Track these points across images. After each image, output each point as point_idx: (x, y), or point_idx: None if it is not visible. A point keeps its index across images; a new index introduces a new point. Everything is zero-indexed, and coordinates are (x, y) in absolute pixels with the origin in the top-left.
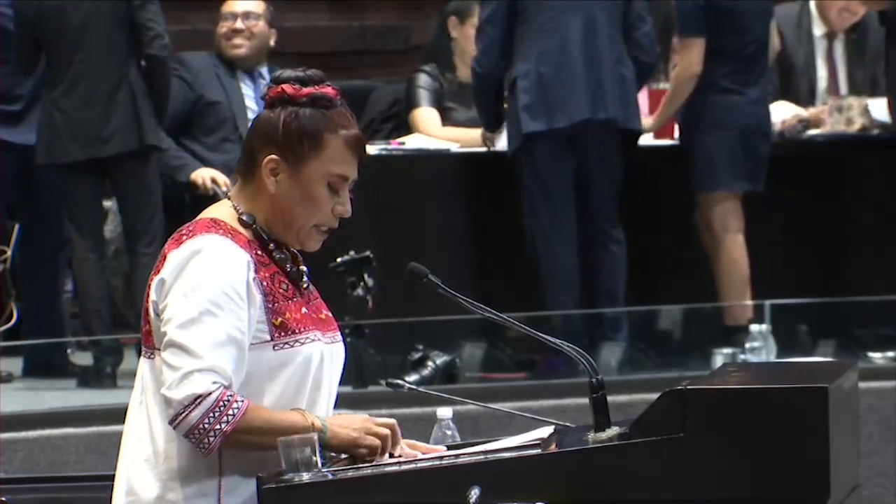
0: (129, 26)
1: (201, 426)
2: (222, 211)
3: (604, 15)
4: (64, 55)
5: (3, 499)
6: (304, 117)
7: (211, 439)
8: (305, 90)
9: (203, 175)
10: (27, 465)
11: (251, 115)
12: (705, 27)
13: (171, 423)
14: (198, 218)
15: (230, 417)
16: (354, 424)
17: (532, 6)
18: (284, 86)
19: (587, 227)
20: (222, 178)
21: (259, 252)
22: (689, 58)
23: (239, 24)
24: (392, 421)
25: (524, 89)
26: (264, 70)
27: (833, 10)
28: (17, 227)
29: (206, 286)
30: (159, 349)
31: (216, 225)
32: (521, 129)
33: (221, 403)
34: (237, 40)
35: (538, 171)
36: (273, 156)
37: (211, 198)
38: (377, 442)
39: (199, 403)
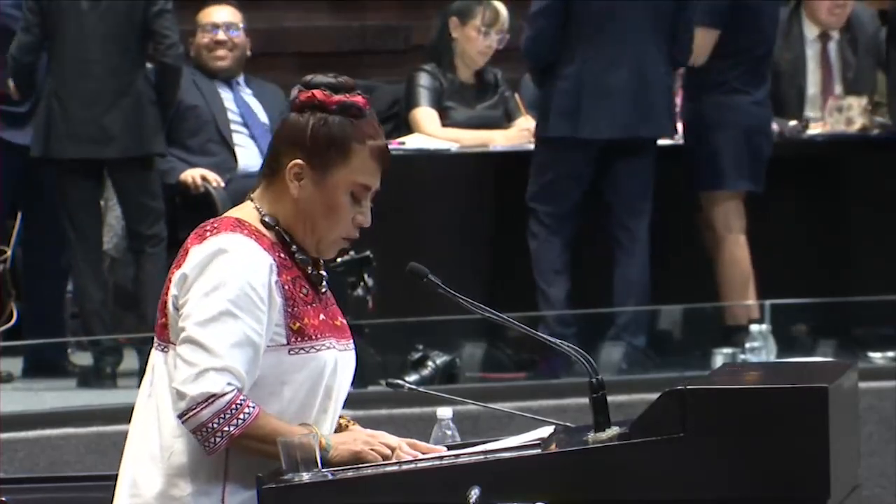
0: (141, 33)
1: (210, 425)
2: (245, 212)
3: (653, 25)
4: (73, 54)
5: (3, 499)
6: (333, 125)
7: (217, 440)
8: (336, 97)
9: (193, 174)
10: (27, 465)
11: (231, 117)
12: (726, 23)
13: (180, 416)
14: (222, 216)
15: (240, 421)
16: (358, 440)
17: (584, 10)
18: (316, 91)
19: (605, 229)
20: (212, 176)
21: (282, 255)
22: (698, 46)
23: (221, 36)
24: (396, 443)
25: (561, 91)
26: (241, 78)
27: (823, 11)
28: (17, 226)
29: (228, 286)
30: (174, 343)
31: (241, 225)
32: (547, 130)
33: (234, 406)
34: (220, 52)
35: (550, 164)
36: (298, 160)
37: (203, 197)
38: (379, 458)
39: (212, 403)
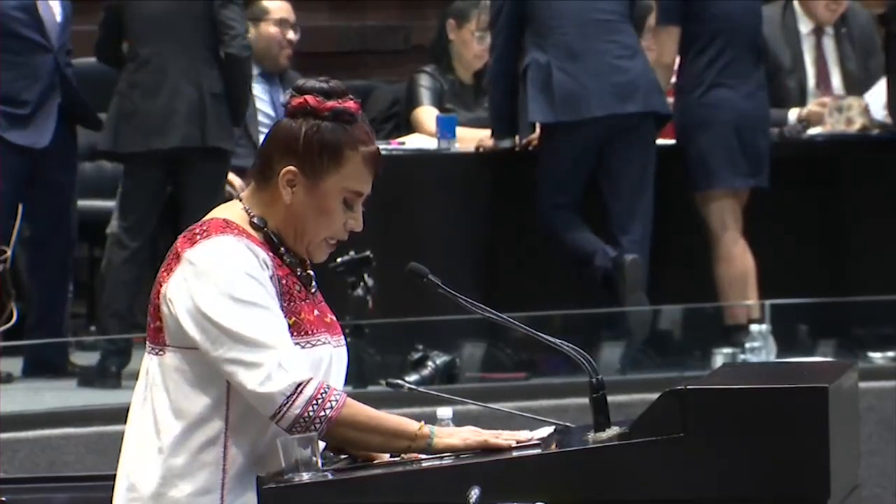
0: (210, 25)
1: (306, 414)
2: (233, 212)
3: (617, 8)
4: (143, 49)
5: (3, 499)
6: (325, 131)
7: (317, 427)
8: (329, 103)
9: None
10: (27, 465)
11: (261, 118)
12: (683, 17)
13: (272, 418)
14: (209, 217)
15: (333, 403)
16: (459, 434)
17: (540, 5)
18: (308, 97)
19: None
20: (239, 182)
21: (271, 254)
22: (660, 47)
23: (292, 35)
24: (489, 437)
25: (541, 85)
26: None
27: (819, 6)
28: (17, 226)
29: (240, 284)
30: (170, 346)
31: (229, 226)
32: (554, 115)
33: (322, 390)
34: (290, 52)
35: (560, 150)
36: (291, 167)
37: (224, 199)
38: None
39: (301, 391)
